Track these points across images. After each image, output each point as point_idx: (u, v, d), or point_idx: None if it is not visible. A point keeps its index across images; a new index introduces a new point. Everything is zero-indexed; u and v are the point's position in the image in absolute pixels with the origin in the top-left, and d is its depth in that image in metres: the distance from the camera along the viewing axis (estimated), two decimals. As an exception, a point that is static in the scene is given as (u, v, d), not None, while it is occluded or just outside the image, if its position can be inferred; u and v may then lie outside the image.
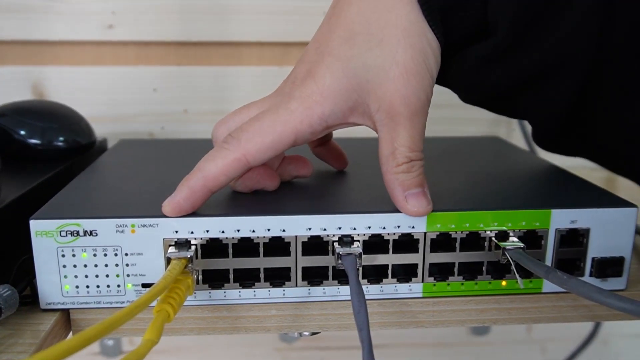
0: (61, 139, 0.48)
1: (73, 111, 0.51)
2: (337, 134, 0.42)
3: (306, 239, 0.35)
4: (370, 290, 0.36)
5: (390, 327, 0.37)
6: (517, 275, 0.35)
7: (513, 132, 0.68)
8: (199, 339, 0.65)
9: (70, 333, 0.36)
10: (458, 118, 0.67)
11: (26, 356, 0.31)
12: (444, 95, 0.66)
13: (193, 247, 0.34)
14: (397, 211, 0.35)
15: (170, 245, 0.34)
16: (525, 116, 0.40)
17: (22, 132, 0.47)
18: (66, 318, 0.36)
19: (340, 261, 0.34)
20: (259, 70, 0.65)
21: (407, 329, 0.37)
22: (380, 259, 0.36)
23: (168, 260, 0.33)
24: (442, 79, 0.38)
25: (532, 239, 0.36)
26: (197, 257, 0.34)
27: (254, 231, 0.35)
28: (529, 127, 0.66)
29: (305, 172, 0.41)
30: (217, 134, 0.38)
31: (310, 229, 0.35)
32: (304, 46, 0.64)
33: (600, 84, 0.33)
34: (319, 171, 0.44)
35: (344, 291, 0.36)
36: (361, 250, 0.34)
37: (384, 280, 0.36)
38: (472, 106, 0.67)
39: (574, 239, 0.37)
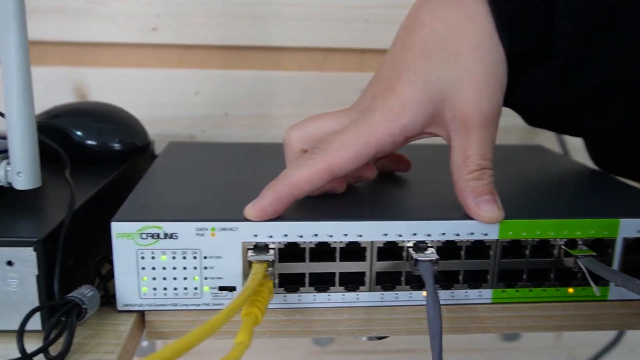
0: (119, 140, 0.48)
1: (128, 113, 0.51)
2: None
3: (382, 245, 0.35)
4: (442, 296, 0.37)
5: (458, 333, 0.38)
6: (592, 283, 0.35)
7: (549, 140, 0.68)
8: (231, 342, 0.64)
9: (145, 334, 0.37)
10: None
11: (114, 356, 0.31)
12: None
13: (272, 251, 0.34)
14: (471, 218, 0.36)
15: (248, 249, 0.35)
16: (585, 133, 0.42)
17: (80, 134, 0.47)
18: (141, 319, 0.36)
19: (416, 267, 0.34)
20: (299, 75, 0.65)
21: (474, 334, 0.38)
22: (452, 265, 0.36)
23: (249, 264, 0.34)
24: (509, 101, 0.39)
25: (599, 247, 0.37)
26: (275, 261, 0.35)
27: (331, 236, 0.35)
28: (567, 137, 0.67)
29: (370, 174, 0.41)
30: (291, 138, 0.38)
31: (386, 234, 0.35)
32: (344, 52, 0.66)
33: None
34: (384, 177, 0.45)
35: (416, 296, 0.37)
36: (437, 257, 0.35)
37: (455, 285, 0.37)
38: (511, 116, 0.68)
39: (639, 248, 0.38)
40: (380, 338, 0.40)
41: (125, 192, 0.48)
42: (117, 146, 0.48)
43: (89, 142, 0.47)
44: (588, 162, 0.51)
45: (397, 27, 0.38)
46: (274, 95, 0.65)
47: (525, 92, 0.38)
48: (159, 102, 0.64)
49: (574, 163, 0.52)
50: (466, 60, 0.34)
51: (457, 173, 0.35)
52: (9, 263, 0.32)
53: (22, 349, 0.29)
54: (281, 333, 0.37)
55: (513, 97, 0.38)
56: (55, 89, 0.63)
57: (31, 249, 0.32)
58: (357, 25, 0.64)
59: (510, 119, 0.67)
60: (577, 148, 0.68)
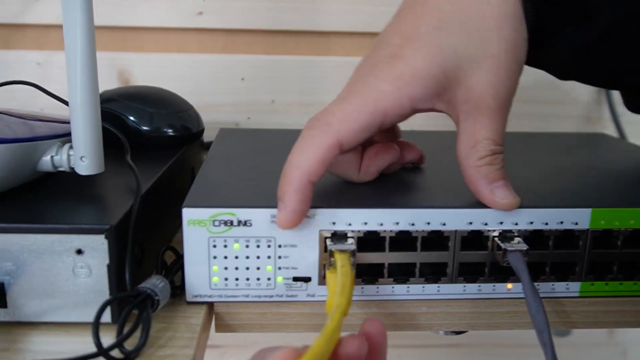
0: (174, 126, 0.46)
1: (182, 98, 0.49)
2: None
3: (466, 234, 0.33)
4: (527, 289, 0.35)
5: (541, 328, 0.36)
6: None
7: (606, 129, 0.66)
8: (273, 335, 0.62)
9: (213, 326, 0.35)
10: (550, 115, 0.65)
11: (190, 351, 0.30)
12: (532, 91, 0.65)
13: (350, 240, 0.33)
14: (562, 206, 0.33)
15: (326, 238, 0.33)
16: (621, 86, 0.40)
17: (134, 119, 0.45)
18: (210, 311, 0.34)
19: (505, 258, 0.32)
20: (348, 60, 0.63)
21: (559, 329, 0.36)
22: (539, 256, 0.34)
23: (330, 254, 0.32)
24: (535, 61, 0.36)
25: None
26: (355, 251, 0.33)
27: (413, 224, 0.33)
28: (625, 126, 0.65)
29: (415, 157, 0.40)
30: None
31: (471, 223, 0.33)
32: (394, 37, 0.63)
33: None
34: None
35: (500, 289, 0.35)
36: (527, 247, 0.33)
37: (541, 277, 0.35)
38: (566, 104, 0.66)
39: None
40: (458, 333, 0.38)
41: (181, 179, 0.46)
42: (172, 132, 0.46)
43: (144, 127, 0.45)
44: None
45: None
46: (322, 81, 0.63)
47: (562, 55, 0.35)
48: (204, 88, 0.62)
49: (645, 151, 0.50)
50: (487, 38, 0.31)
51: (467, 159, 0.32)
52: (79, 252, 0.30)
53: (98, 343, 0.28)
54: (356, 327, 0.35)
55: (543, 59, 0.35)
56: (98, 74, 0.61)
57: (102, 236, 0.30)
58: (408, 9, 0.61)
59: (567, 106, 0.65)
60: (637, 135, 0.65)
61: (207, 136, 0.54)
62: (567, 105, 0.66)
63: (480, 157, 0.32)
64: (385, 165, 0.37)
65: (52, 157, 0.35)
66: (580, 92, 0.66)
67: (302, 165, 0.31)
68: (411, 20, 0.33)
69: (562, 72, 0.38)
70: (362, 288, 0.34)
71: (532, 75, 0.65)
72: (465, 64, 0.31)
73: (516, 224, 0.33)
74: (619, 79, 0.38)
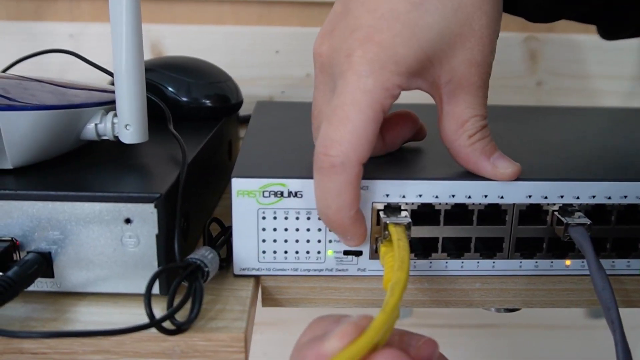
0: (214, 97, 0.45)
1: (220, 69, 0.48)
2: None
3: (524, 208, 0.32)
4: (584, 266, 0.33)
5: (597, 306, 0.34)
6: None
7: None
8: (303, 311, 0.62)
9: (259, 299, 0.34)
10: (595, 90, 0.63)
11: (242, 323, 0.29)
12: (576, 66, 0.63)
13: (404, 213, 0.31)
14: (626, 179, 0.32)
15: (379, 210, 0.32)
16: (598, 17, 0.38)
17: (173, 90, 0.44)
18: (257, 284, 0.33)
19: (566, 233, 0.31)
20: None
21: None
22: (600, 232, 0.33)
23: (384, 227, 0.31)
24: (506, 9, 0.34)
25: None
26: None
27: (469, 197, 0.32)
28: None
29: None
30: (321, 49, 0.32)
31: (530, 196, 0.32)
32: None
33: None
34: (514, 133, 0.41)
35: (557, 265, 0.33)
36: (590, 221, 0.31)
37: (601, 253, 0.33)
38: (605, 78, 0.64)
39: None
40: (510, 310, 0.36)
41: (220, 152, 0.45)
42: (211, 103, 0.45)
43: (183, 98, 0.44)
44: None
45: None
46: (358, 54, 0.61)
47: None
48: (237, 61, 0.61)
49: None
50: (469, 14, 0.29)
51: (458, 140, 0.31)
52: (127, 221, 0.29)
53: (151, 315, 0.27)
54: (407, 303, 0.34)
55: (515, 9, 0.34)
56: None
57: (152, 205, 0.29)
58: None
59: (611, 82, 0.63)
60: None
61: (242, 110, 0.53)
62: (611, 81, 0.64)
63: (471, 135, 0.31)
64: (410, 134, 0.37)
65: (96, 125, 0.34)
66: (625, 67, 0.63)
67: (343, 206, 0.29)
68: None
69: (535, 16, 0.35)
70: (415, 263, 0.33)
71: (577, 51, 0.63)
72: (447, 44, 0.30)
73: (577, 197, 0.32)
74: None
